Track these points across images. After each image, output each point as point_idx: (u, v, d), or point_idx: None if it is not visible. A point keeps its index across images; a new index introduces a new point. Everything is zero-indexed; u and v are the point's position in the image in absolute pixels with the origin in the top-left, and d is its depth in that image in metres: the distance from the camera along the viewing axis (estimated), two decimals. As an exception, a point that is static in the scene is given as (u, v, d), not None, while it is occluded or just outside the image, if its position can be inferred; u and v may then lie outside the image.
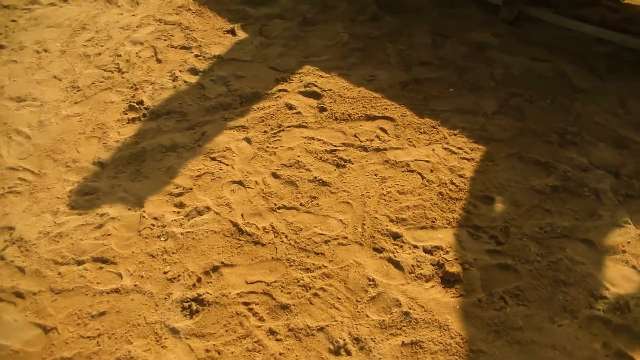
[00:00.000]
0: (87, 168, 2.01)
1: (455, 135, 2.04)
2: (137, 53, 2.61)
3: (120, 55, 2.60)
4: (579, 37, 2.55)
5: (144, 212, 1.81)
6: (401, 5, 2.86)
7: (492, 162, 1.92)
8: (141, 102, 2.29)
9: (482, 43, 2.55)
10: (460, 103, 2.20)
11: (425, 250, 1.61)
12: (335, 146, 2.02)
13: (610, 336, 1.40)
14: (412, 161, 1.93)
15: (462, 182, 1.83)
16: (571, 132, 2.04)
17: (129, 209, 1.83)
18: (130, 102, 2.30)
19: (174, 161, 2.00)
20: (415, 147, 2.00)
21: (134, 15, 2.91)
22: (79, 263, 1.70)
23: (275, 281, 1.58)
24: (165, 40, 2.69)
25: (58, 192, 1.94)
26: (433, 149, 1.98)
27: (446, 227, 1.68)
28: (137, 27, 2.81)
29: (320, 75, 2.39)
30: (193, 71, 2.47)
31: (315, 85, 2.32)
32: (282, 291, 1.56)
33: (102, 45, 2.68)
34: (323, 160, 1.96)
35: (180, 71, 2.47)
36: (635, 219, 1.69)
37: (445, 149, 1.98)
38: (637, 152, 1.94)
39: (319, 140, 2.05)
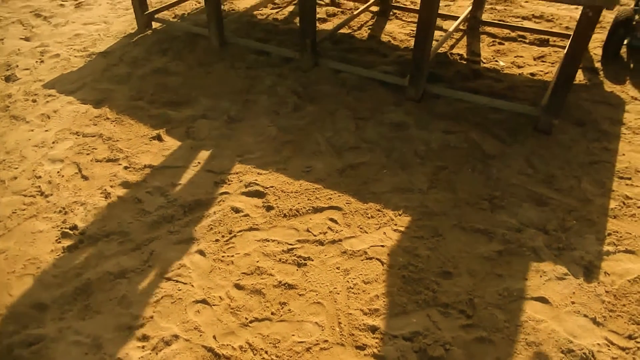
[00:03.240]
0: (25, 313, 1.82)
1: (400, 215, 2.16)
2: (58, 172, 2.47)
3: (40, 177, 2.45)
4: (477, 108, 2.89)
5: (105, 354, 1.66)
6: (318, 94, 3.04)
7: (440, 236, 2.06)
8: (75, 227, 2.15)
9: (399, 122, 2.78)
10: (396, 183, 2.35)
11: (405, 338, 1.66)
12: (291, 245, 2.04)
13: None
14: (369, 248, 2.01)
15: (420, 262, 1.94)
16: (497, 197, 2.26)
17: (86, 354, 1.67)
18: (62, 228, 2.15)
19: (126, 289, 1.88)
20: (367, 233, 2.08)
21: (47, 130, 2.77)
22: None
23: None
24: (87, 154, 2.59)
25: (-5, 348, 1.72)
26: (384, 233, 2.08)
27: (417, 310, 1.75)
28: (53, 143, 2.67)
29: (258, 173, 2.44)
30: (125, 185, 2.38)
31: (257, 184, 2.36)
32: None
33: (16, 168, 2.51)
34: (283, 262, 1.97)
35: (111, 186, 2.37)
36: (572, 270, 1.90)
37: (395, 230, 2.09)
38: (555, 206, 2.20)
39: (273, 241, 2.06)
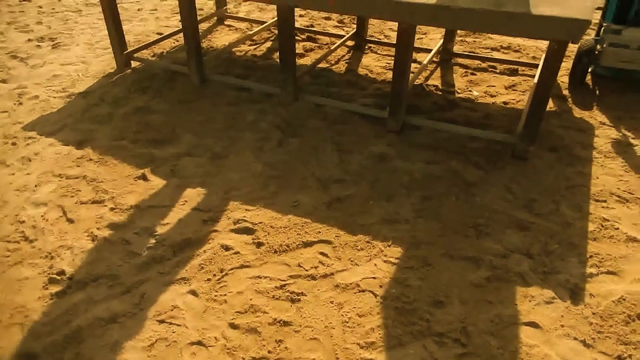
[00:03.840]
0: (14, 365, 1.77)
1: (389, 246, 2.20)
2: (42, 216, 2.44)
3: (23, 222, 2.41)
4: (455, 137, 2.99)
5: (100, 402, 1.62)
6: (301, 128, 3.10)
7: (429, 265, 2.10)
8: (62, 272, 2.12)
9: (382, 154, 2.85)
10: (383, 214, 2.40)
11: (403, 370, 1.67)
12: (283, 280, 2.05)
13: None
14: (361, 281, 2.03)
15: (412, 292, 1.97)
16: (482, 224, 2.33)
17: (81, 403, 1.63)
18: (48, 274, 2.11)
19: (118, 334, 1.85)
20: (358, 265, 2.11)
21: (28, 174, 2.74)
22: None
23: None
24: (72, 196, 2.56)
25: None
26: (375, 264, 2.11)
27: (413, 341, 1.77)
28: (35, 186, 2.64)
29: (246, 209, 2.45)
30: (112, 226, 2.36)
31: (245, 220, 2.37)
32: None
33: (-3, 214, 2.46)
34: (276, 299, 1.97)
35: (98, 229, 2.35)
36: (559, 294, 1.96)
37: (385, 261, 2.12)
38: (538, 231, 2.28)
39: (265, 277, 2.07)
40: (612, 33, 3.36)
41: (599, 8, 3.45)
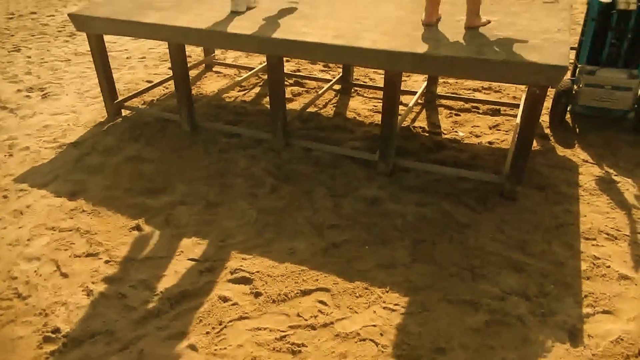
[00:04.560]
0: None
1: (387, 292, 2.22)
2: (35, 271, 2.41)
3: (16, 278, 2.37)
4: (445, 178, 3.05)
5: None
6: (293, 173, 3.14)
7: (428, 310, 2.12)
8: (57, 330, 2.08)
9: (374, 197, 2.90)
10: (379, 259, 2.42)
11: (409, 422, 1.66)
12: (283, 331, 2.04)
13: None
14: (361, 329, 2.03)
15: (412, 339, 1.97)
16: (477, 266, 2.36)
17: None
18: (43, 332, 2.07)
19: (118, 393, 1.81)
20: (357, 313, 2.12)
21: (20, 227, 2.72)
22: None
23: None
24: (65, 250, 2.54)
25: None
26: (374, 311, 2.11)
27: (417, 390, 1.77)
28: (28, 240, 2.62)
29: (242, 258, 2.45)
30: (108, 280, 2.34)
31: (242, 270, 2.37)
32: None
33: (-12, 271, 2.42)
34: (277, 351, 1.96)
35: (93, 283, 2.32)
36: (558, 336, 1.98)
37: (384, 308, 2.13)
38: (532, 272, 2.32)
39: (265, 329, 2.06)
40: (587, 74, 3.52)
41: (572, 48, 3.61)
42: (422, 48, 2.64)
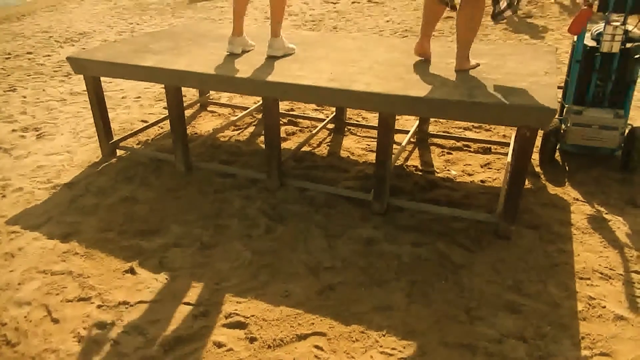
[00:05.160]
0: None
1: (384, 336, 2.19)
2: (25, 317, 2.36)
3: (5, 324, 2.32)
4: (439, 217, 3.07)
5: None
6: (288, 214, 3.15)
7: (426, 355, 2.10)
8: (47, 380, 2.03)
9: (369, 238, 2.90)
10: (375, 301, 2.41)
11: None
12: (279, 378, 2.00)
13: None
14: (359, 375, 2.00)
15: (411, 385, 1.94)
16: (473, 308, 2.35)
17: None
18: (32, 382, 2.02)
19: None
20: (354, 358, 2.09)
21: (12, 271, 2.68)
22: None
23: None
24: (57, 294, 2.51)
25: None
26: (371, 356, 2.09)
27: None
28: (18, 284, 2.58)
29: (237, 302, 2.43)
30: (100, 325, 2.30)
31: (237, 314, 2.34)
32: None
33: (-23, 317, 2.37)
34: (274, 398, 1.91)
35: (84, 329, 2.28)
36: (556, 380, 1.96)
37: (381, 352, 2.11)
38: (528, 313, 2.31)
39: (261, 375, 2.02)
40: (575, 114, 3.61)
41: (559, 87, 3.70)
42: (415, 91, 2.71)
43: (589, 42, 3.60)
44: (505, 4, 2.90)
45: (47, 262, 2.76)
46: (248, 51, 3.58)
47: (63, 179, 3.67)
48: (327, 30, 8.79)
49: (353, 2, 11.54)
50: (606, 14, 3.38)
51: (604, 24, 3.42)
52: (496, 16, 2.94)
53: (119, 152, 4.05)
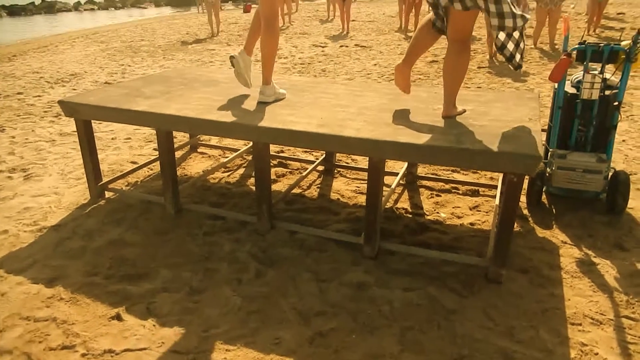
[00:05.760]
0: None
1: (377, 385, 2.15)
2: (5, 368, 2.28)
3: (-17, 377, 2.23)
4: (430, 261, 3.07)
5: None
6: (278, 257, 3.13)
7: (419, 405, 2.05)
8: None
9: (360, 282, 2.89)
10: (367, 349, 2.37)
11: None
12: None
13: None
14: None
15: None
16: (466, 355, 2.33)
17: None
18: None
19: None
20: (347, 409, 2.03)
21: (-8, 319, 2.60)
22: None
23: None
24: (40, 342, 2.43)
25: None
26: (364, 407, 2.04)
27: None
28: (0, 332, 2.50)
29: (227, 349, 2.38)
30: (84, 377, 2.23)
31: (227, 363, 2.29)
32: None
33: (-45, 368, 2.28)
34: None
35: (67, 380, 2.20)
36: None
37: (374, 403, 2.06)
38: (521, 361, 2.29)
39: None
40: (559, 157, 3.69)
41: (543, 130, 3.78)
42: (404, 137, 2.76)
43: (569, 89, 3.74)
44: (518, 56, 3.00)
45: (31, 307, 2.69)
46: (281, 99, 3.58)
47: (50, 221, 3.62)
48: (316, 73, 9.00)
49: (341, 46, 11.89)
50: (584, 63, 3.52)
51: (582, 72, 3.56)
52: (517, 67, 3.06)
53: (107, 194, 4.02)
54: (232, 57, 3.59)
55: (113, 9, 36.06)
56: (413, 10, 13.78)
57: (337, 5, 15.85)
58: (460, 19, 2.89)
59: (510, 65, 3.11)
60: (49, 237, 3.42)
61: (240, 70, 3.58)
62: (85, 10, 34.52)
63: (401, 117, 3.14)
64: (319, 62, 10.14)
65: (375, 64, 9.67)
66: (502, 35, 2.97)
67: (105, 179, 4.05)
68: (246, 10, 21.53)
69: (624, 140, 5.11)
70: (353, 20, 16.69)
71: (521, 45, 3.02)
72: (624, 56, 3.44)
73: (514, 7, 2.74)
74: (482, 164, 2.67)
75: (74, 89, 7.95)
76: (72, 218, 3.67)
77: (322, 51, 11.47)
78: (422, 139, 2.75)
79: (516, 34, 2.97)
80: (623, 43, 3.50)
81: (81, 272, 3.02)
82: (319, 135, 2.89)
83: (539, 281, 2.89)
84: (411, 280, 2.90)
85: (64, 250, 3.25)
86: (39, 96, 7.37)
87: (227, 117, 3.19)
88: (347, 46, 12.02)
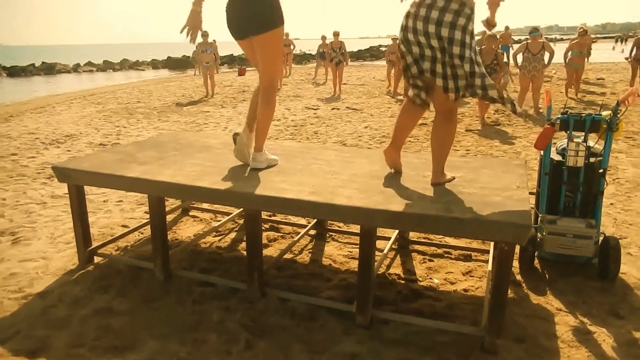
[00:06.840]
0: None
1: None
2: None
3: None
4: (424, 330, 3.01)
5: None
6: (269, 327, 3.06)
7: None
8: None
9: (353, 354, 2.81)
10: None
11: None
12: None
13: None
14: None
15: None
16: None
17: None
18: None
19: None
20: None
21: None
22: None
23: None
24: None
25: None
26: None
27: None
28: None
29: None
30: None
31: None
32: None
33: None
34: None
35: None
36: None
37: None
38: None
39: None
40: (549, 223, 3.73)
41: (531, 193, 3.82)
42: (395, 205, 2.79)
43: (555, 155, 3.84)
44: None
45: (10, 385, 2.57)
46: (273, 165, 3.63)
47: (36, 288, 3.54)
48: (309, 135, 9.18)
49: (333, 109, 12.22)
50: (567, 132, 3.64)
51: (567, 140, 3.67)
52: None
53: (97, 259, 3.96)
54: (235, 135, 3.69)
55: (111, 70, 37.07)
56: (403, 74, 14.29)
57: (330, 69, 16.45)
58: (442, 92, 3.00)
59: (506, 109, 3.01)
60: (34, 304, 3.34)
61: (242, 147, 3.65)
62: (84, 71, 35.46)
63: (392, 184, 3.19)
64: (311, 124, 10.38)
65: (366, 127, 9.91)
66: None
67: (95, 244, 4.01)
68: (241, 73, 22.22)
69: (611, 204, 5.19)
70: (344, 84, 17.26)
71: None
72: (605, 125, 3.56)
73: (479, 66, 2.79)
74: (472, 233, 2.69)
75: (69, 150, 8.02)
76: (59, 284, 3.60)
77: (315, 113, 11.77)
78: (413, 207, 2.78)
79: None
80: (604, 113, 3.64)
81: (65, 342, 2.92)
82: (311, 204, 2.92)
83: (535, 351, 2.83)
84: (405, 351, 2.83)
85: (49, 319, 3.15)
86: (33, 157, 7.41)
87: (220, 184, 3.22)
88: (338, 109, 12.36)
